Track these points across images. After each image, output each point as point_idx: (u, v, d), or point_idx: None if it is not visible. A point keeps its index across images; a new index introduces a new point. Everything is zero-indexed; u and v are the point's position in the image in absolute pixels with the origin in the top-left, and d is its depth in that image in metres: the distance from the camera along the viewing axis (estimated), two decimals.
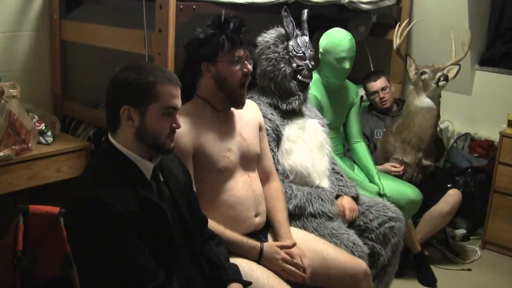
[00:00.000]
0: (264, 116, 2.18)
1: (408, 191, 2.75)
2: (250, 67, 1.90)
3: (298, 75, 2.26)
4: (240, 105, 1.94)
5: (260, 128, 2.09)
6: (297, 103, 2.28)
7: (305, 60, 2.27)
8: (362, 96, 3.18)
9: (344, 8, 3.08)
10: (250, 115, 2.05)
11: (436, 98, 2.92)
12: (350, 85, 2.86)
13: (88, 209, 1.40)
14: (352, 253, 2.10)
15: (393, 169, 2.95)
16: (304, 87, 2.30)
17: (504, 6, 3.64)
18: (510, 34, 3.65)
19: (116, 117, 1.48)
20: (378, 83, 3.20)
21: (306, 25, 2.35)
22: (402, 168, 2.96)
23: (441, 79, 2.84)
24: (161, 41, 2.24)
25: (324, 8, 2.98)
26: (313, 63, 2.30)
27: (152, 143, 1.50)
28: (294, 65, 2.25)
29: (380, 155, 3.11)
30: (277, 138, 2.23)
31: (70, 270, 1.95)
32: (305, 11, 2.39)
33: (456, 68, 2.92)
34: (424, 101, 2.90)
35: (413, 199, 2.74)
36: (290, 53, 2.25)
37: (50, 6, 2.71)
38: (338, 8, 3.07)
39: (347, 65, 2.59)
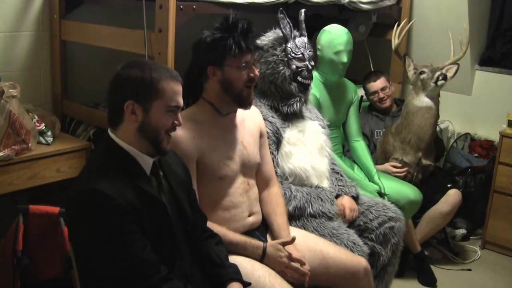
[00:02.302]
0: (264, 119, 2.17)
1: (408, 191, 2.75)
2: (257, 72, 1.89)
3: (298, 77, 2.25)
4: (247, 105, 1.92)
5: (261, 135, 2.08)
6: (298, 105, 2.27)
7: (304, 61, 2.26)
8: (362, 96, 3.18)
9: (344, 8, 3.08)
10: (251, 123, 2.04)
11: (435, 98, 2.92)
12: (349, 83, 2.86)
13: (88, 203, 1.40)
14: (352, 252, 2.09)
15: (395, 169, 2.95)
16: (305, 88, 2.29)
17: (504, 6, 3.64)
18: (510, 34, 3.65)
19: (119, 112, 1.49)
20: (378, 83, 3.20)
21: (303, 25, 2.34)
22: (405, 169, 2.95)
23: (440, 78, 2.84)
24: (161, 41, 2.24)
25: (324, 8, 2.98)
26: (312, 63, 2.29)
27: (153, 139, 1.50)
28: (293, 66, 2.24)
29: (380, 155, 3.10)
30: (277, 141, 2.23)
31: (70, 270, 1.96)
32: (302, 11, 2.36)
33: (454, 67, 2.92)
34: (423, 100, 2.90)
35: (413, 199, 2.73)
36: (289, 55, 2.24)
37: (50, 6, 2.71)
38: (338, 8, 3.07)
39: (344, 58, 2.58)
